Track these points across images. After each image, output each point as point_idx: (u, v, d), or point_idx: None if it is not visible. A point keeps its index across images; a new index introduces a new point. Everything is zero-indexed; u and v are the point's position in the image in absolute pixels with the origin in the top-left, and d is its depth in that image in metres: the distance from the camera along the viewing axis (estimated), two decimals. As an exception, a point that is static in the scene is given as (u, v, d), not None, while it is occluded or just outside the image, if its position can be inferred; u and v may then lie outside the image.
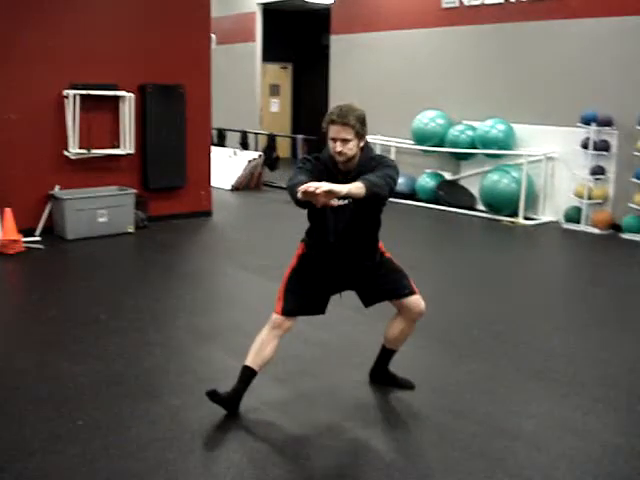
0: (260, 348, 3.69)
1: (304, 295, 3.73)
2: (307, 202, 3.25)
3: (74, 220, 7.47)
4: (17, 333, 4.97)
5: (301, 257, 3.75)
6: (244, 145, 12.48)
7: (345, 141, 3.41)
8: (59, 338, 4.80)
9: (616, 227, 8.66)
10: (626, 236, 8.43)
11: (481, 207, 9.91)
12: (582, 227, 8.85)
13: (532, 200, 9.41)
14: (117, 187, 8.07)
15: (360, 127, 3.44)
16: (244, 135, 12.54)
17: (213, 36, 9.01)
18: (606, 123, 8.58)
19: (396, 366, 4.11)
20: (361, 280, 3.79)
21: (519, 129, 9.53)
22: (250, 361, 3.69)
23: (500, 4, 9.71)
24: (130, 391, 4.00)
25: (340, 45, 12.54)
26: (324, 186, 3.12)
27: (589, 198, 8.80)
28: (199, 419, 3.66)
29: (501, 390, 4.15)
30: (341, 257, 3.68)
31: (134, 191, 8.00)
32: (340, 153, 3.44)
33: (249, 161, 11.69)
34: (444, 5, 10.41)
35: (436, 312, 5.51)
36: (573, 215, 8.99)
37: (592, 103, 8.68)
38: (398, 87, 11.12)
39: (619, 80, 8.48)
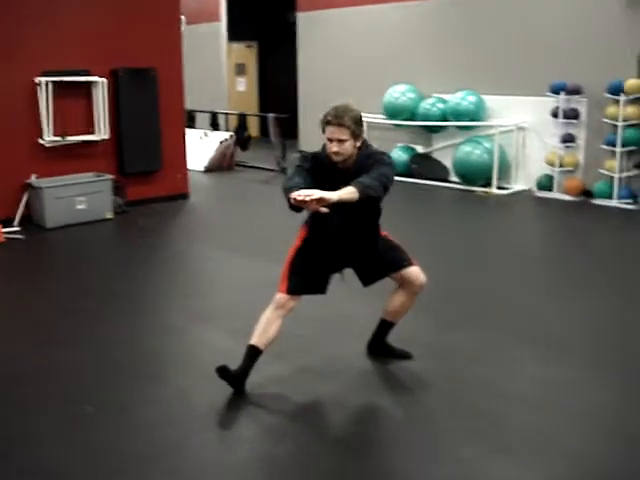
0: (265, 328, 3.75)
1: (308, 275, 3.81)
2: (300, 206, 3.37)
3: (53, 208, 7.42)
4: (8, 324, 4.96)
5: (305, 239, 3.83)
6: (214, 126, 12.43)
7: (341, 141, 3.50)
8: (51, 327, 4.82)
9: (587, 193, 8.86)
10: (597, 202, 8.63)
11: (454, 179, 10.04)
12: (554, 194, 9.03)
13: (504, 170, 9.57)
14: (94, 173, 8.03)
15: (356, 127, 3.53)
16: (214, 116, 12.49)
17: (183, 17, 8.94)
18: (575, 91, 8.74)
19: (389, 338, 4.22)
20: (362, 259, 3.88)
21: (489, 100, 9.66)
22: (256, 340, 3.76)
23: (466, -24, 9.79)
24: (134, 375, 4.06)
25: (307, 22, 12.53)
26: (315, 194, 3.25)
27: (560, 166, 8.97)
28: (207, 399, 3.73)
29: (494, 355, 4.29)
30: (343, 245, 3.79)
31: (111, 177, 7.97)
32: (336, 153, 3.53)
33: (221, 142, 11.67)
34: (410, -21, 10.46)
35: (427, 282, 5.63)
36: (545, 183, 9.16)
37: (561, 72, 8.83)
38: (367, 62, 11.16)
39: (587, 49, 8.63)
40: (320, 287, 3.88)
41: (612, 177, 8.50)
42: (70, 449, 3.26)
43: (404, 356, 4.17)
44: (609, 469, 3.09)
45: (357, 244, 3.83)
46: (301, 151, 3.74)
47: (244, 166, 11.77)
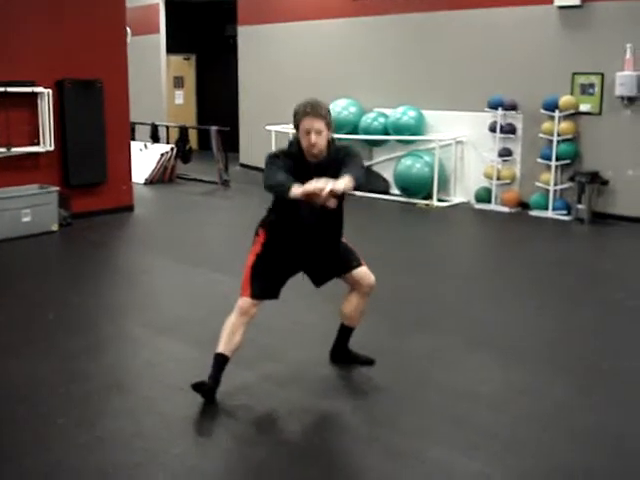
0: (230, 335, 3.81)
1: (270, 279, 3.88)
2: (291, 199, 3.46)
3: (-3, 221, 7.31)
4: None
5: (264, 244, 3.87)
6: (155, 138, 12.38)
7: (319, 132, 3.60)
8: (11, 341, 4.75)
9: (524, 205, 9.20)
10: (534, 213, 8.98)
11: (395, 191, 10.27)
12: (492, 206, 9.35)
13: (444, 183, 9.85)
14: (38, 185, 7.93)
15: (330, 119, 3.67)
16: (154, 128, 12.43)
17: (128, 29, 8.93)
18: (512, 107, 9.09)
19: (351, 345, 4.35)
20: (322, 260, 3.98)
21: (429, 115, 9.93)
22: (222, 348, 3.81)
23: (406, -5, 10.08)
24: (101, 386, 4.06)
25: (247, 36, 12.64)
26: (327, 186, 3.34)
27: (498, 179, 9.30)
28: (176, 409, 3.77)
29: (453, 359, 4.47)
30: (310, 243, 3.88)
31: (57, 189, 7.89)
32: (315, 145, 3.61)
33: (162, 154, 11.63)
34: (351, -4, 10.70)
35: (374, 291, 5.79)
36: (483, 195, 9.48)
37: (498, 89, 9.18)
38: (309, 77, 11.32)
39: (523, 67, 8.99)
40: (277, 292, 3.94)
41: (547, 189, 8.86)
42: (40, 465, 3.23)
43: (367, 362, 4.29)
44: (568, 464, 3.27)
45: (324, 243, 3.91)
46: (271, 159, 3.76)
47: (185, 178, 11.76)
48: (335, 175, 3.52)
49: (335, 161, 3.67)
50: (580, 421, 3.68)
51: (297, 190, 3.41)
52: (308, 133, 3.61)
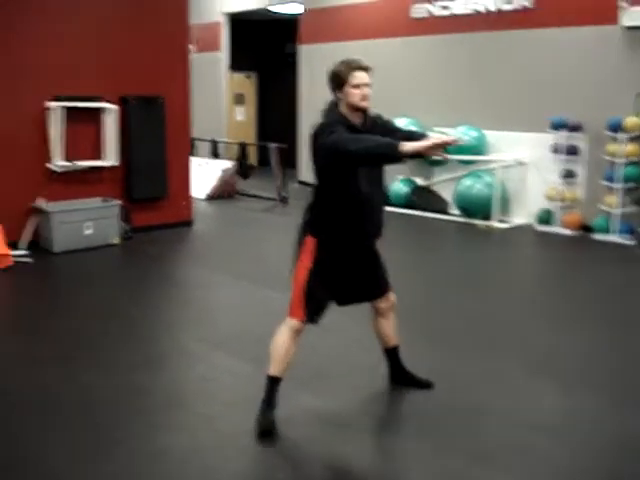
0: (286, 357, 3.73)
1: (322, 300, 3.75)
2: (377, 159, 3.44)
3: (61, 233, 7.46)
4: (25, 349, 4.94)
5: (316, 252, 3.69)
6: (215, 154, 12.53)
7: (368, 85, 3.59)
8: (71, 353, 4.82)
9: (587, 228, 8.99)
10: (597, 237, 8.77)
11: (454, 211, 10.16)
12: (554, 229, 9.16)
13: (505, 204, 9.70)
14: (101, 198, 8.08)
15: None
16: (215, 144, 12.59)
17: (191, 46, 9.07)
18: (575, 128, 8.92)
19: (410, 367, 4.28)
20: (363, 261, 3.86)
21: (491, 135, 9.81)
22: (278, 371, 3.73)
23: (469, 15, 10.01)
24: (159, 401, 4.08)
25: (308, 54, 12.72)
26: (449, 138, 3.32)
27: (560, 200, 9.12)
28: (234, 425, 3.76)
29: (512, 384, 4.36)
30: (371, 209, 3.73)
31: (119, 202, 8.02)
32: (366, 97, 3.58)
33: (223, 170, 11.75)
34: (413, 15, 10.68)
35: (431, 313, 5.72)
36: (545, 217, 9.30)
37: (561, 109, 9.01)
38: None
39: (587, 87, 8.82)
40: (324, 313, 3.82)
41: (611, 213, 8.65)
42: (98, 475, 3.26)
43: (426, 385, 4.21)
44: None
45: (379, 211, 3.79)
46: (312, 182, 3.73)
47: (245, 195, 11.85)
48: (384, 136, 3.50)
49: (375, 124, 3.66)
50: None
51: (416, 145, 3.25)
52: (358, 87, 3.56)
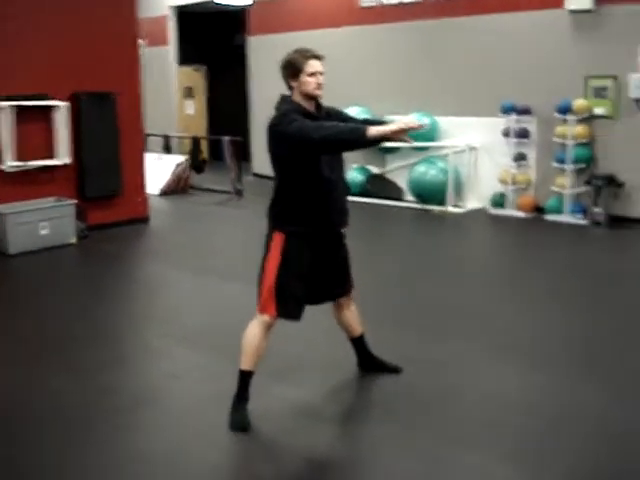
0: (257, 351, 3.72)
1: (294, 295, 3.72)
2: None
3: (16, 234, 7.32)
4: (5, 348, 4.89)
5: (284, 245, 3.66)
6: (167, 149, 12.42)
7: (322, 74, 3.64)
8: (35, 354, 4.76)
9: (540, 209, 9.17)
10: (550, 217, 8.95)
11: (409, 198, 10.26)
12: (508, 212, 9.33)
13: (459, 189, 9.83)
14: (54, 198, 7.95)
15: None
16: (167, 139, 12.47)
17: (141, 41, 8.96)
18: (525, 112, 9.08)
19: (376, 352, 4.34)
20: (331, 254, 3.86)
21: (442, 121, 9.92)
22: (250, 365, 3.72)
23: (417, 2, 10.09)
24: (130, 399, 4.06)
25: (257, 45, 12.67)
26: (413, 122, 3.36)
27: (513, 184, 9.28)
28: (208, 418, 3.77)
29: (481, 365, 4.46)
30: (335, 196, 3.74)
31: (74, 201, 7.91)
32: (321, 85, 3.63)
33: (176, 165, 11.65)
34: (362, 4, 10.73)
35: (391, 300, 5.78)
36: (499, 201, 9.46)
37: (510, 93, 9.17)
38: (320, 85, 11.32)
39: (535, 71, 8.98)
40: (301, 312, 3.80)
41: (563, 194, 8.84)
42: (77, 477, 3.24)
43: (394, 370, 4.27)
44: (607, 467, 3.25)
45: (342, 197, 3.82)
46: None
47: (199, 189, 11.78)
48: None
49: (329, 114, 3.71)
50: (614, 423, 3.66)
51: (376, 130, 3.27)
52: (314, 74, 3.61)
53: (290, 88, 3.70)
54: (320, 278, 3.84)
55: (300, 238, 3.69)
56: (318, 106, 3.72)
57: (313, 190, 3.65)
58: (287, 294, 3.70)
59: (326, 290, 3.94)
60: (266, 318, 3.71)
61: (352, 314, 4.15)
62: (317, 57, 3.65)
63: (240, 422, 3.64)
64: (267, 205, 3.79)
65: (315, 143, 3.41)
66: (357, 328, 4.21)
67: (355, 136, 3.36)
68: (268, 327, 3.74)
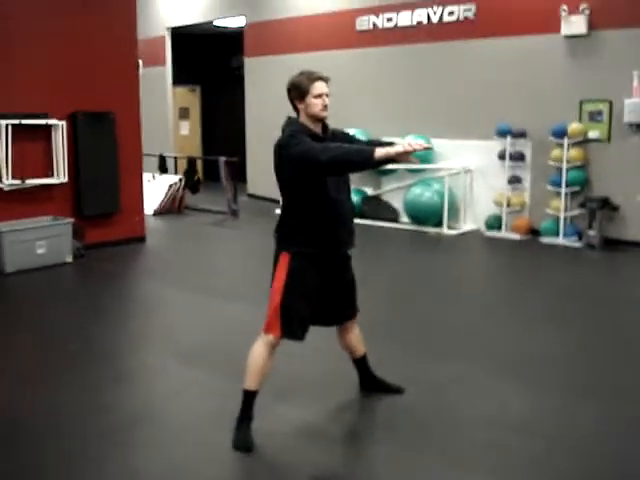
0: (262, 370, 3.71)
1: (299, 316, 3.71)
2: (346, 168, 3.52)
3: (12, 252, 7.31)
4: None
5: (290, 266, 3.68)
6: (162, 169, 12.44)
7: (328, 95, 3.67)
8: (33, 373, 4.73)
9: (535, 232, 9.23)
10: (545, 240, 9.01)
11: (404, 220, 10.31)
12: (503, 234, 9.38)
13: (454, 211, 9.89)
14: (51, 217, 7.95)
15: None
16: (162, 159, 12.50)
17: (140, 61, 9.01)
18: (520, 135, 9.16)
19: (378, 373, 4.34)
20: (338, 276, 3.88)
21: (438, 144, 9.98)
22: (254, 385, 3.70)
23: (413, 26, 10.20)
24: (129, 417, 4.03)
25: (254, 67, 12.76)
26: (416, 144, 3.35)
27: (508, 206, 9.34)
28: (209, 436, 3.75)
29: (480, 386, 4.45)
30: (342, 217, 3.76)
31: (71, 220, 7.90)
32: (326, 108, 3.65)
33: (170, 185, 11.68)
34: (358, 28, 10.83)
35: (389, 321, 5.79)
36: (493, 223, 9.51)
37: (506, 117, 9.26)
38: (316, 107, 11.39)
39: (531, 95, 9.09)
40: (305, 333, 3.81)
41: (558, 216, 8.90)
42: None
43: (396, 390, 4.27)
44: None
45: (349, 217, 3.84)
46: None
47: (194, 209, 11.80)
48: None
49: (335, 135, 3.74)
50: (614, 444, 3.67)
51: (382, 152, 3.28)
52: (320, 96, 3.63)
53: (296, 110, 3.72)
54: (327, 300, 3.86)
55: (306, 259, 3.70)
56: (324, 127, 3.75)
57: (320, 211, 3.67)
58: (292, 314, 3.69)
59: (334, 312, 3.96)
60: (270, 338, 3.71)
61: (355, 337, 4.16)
62: (323, 79, 3.68)
63: (244, 442, 3.63)
64: (274, 226, 3.81)
65: (322, 164, 3.43)
66: (360, 349, 4.22)
67: (362, 157, 3.38)
68: (273, 347, 3.74)
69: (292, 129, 3.65)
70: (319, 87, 3.64)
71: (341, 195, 3.74)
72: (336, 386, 4.43)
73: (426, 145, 3.41)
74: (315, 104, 3.64)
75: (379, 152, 3.31)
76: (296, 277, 3.68)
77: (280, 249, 3.75)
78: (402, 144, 3.37)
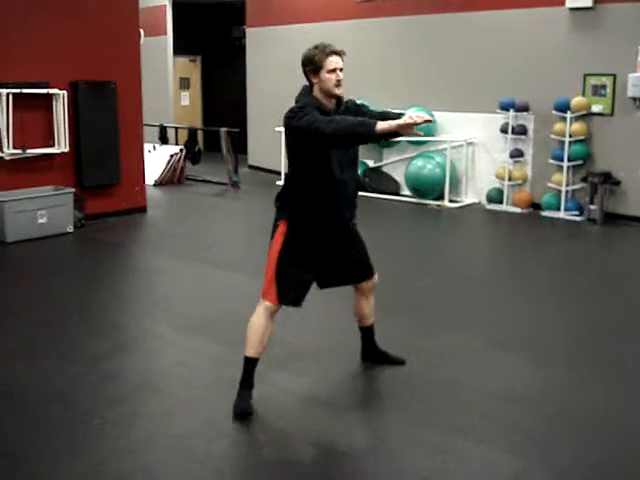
0: (263, 338, 3.75)
1: (294, 281, 3.76)
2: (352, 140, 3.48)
3: (14, 222, 7.30)
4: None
5: (286, 235, 3.73)
6: (163, 140, 12.38)
7: (342, 70, 3.63)
8: (39, 342, 4.75)
9: (536, 206, 9.22)
10: (546, 213, 9.01)
11: (406, 192, 10.30)
12: (504, 207, 9.37)
13: (455, 184, 9.88)
14: (52, 187, 7.93)
15: None
16: (163, 129, 12.44)
17: (141, 31, 8.94)
18: (523, 109, 9.12)
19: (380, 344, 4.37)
20: (341, 244, 3.90)
21: (440, 116, 9.94)
22: (254, 352, 3.75)
23: (416, -3, 10.10)
24: (134, 387, 4.07)
25: (256, 38, 12.66)
26: (422, 116, 3.35)
27: (509, 179, 9.32)
28: (213, 407, 3.79)
29: (482, 359, 4.49)
30: (344, 193, 3.76)
31: (73, 190, 7.89)
32: (341, 82, 3.62)
33: (171, 155, 11.63)
34: (360, -2, 10.74)
35: (390, 293, 5.79)
36: (495, 196, 9.50)
37: (509, 90, 9.20)
38: (318, 78, 11.31)
39: (534, 68, 9.01)
40: (302, 298, 3.85)
41: (559, 190, 8.89)
42: (80, 467, 3.23)
43: (398, 362, 4.30)
44: (606, 460, 3.30)
45: (352, 196, 3.85)
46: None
47: (195, 180, 11.77)
48: None
49: (347, 109, 3.71)
50: (614, 418, 3.71)
51: (388, 124, 3.31)
52: (334, 71, 3.60)
53: (310, 83, 3.70)
54: (336, 264, 3.91)
55: (302, 229, 3.74)
56: (339, 101, 3.72)
57: (321, 188, 3.69)
58: (287, 281, 3.74)
59: (347, 274, 4.01)
60: (267, 304, 3.76)
61: (368, 304, 4.18)
62: (337, 53, 3.64)
63: (244, 408, 3.68)
64: (275, 195, 3.83)
65: (326, 136, 3.43)
66: (369, 318, 4.24)
67: (364, 129, 3.39)
68: (270, 313, 3.77)
69: (304, 101, 3.65)
70: (333, 62, 3.61)
71: (345, 174, 3.73)
72: (335, 356, 4.47)
73: (427, 118, 3.40)
74: (329, 79, 3.61)
75: (381, 125, 3.32)
76: (292, 246, 3.72)
77: (278, 218, 3.79)
78: (404, 117, 3.37)
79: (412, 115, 3.37)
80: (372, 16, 10.64)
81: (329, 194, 3.71)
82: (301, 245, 3.75)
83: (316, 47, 3.66)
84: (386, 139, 3.68)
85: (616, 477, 3.20)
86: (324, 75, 3.61)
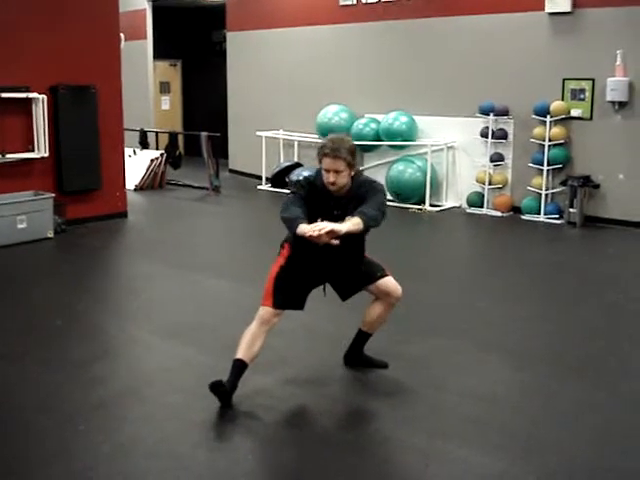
0: (251, 343, 3.82)
1: (292, 291, 3.92)
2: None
3: (-7, 227, 7.25)
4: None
5: (289, 257, 3.93)
6: (144, 144, 12.33)
7: (337, 172, 3.68)
8: (21, 348, 4.71)
9: (516, 209, 9.29)
10: (526, 217, 9.07)
11: (387, 196, 10.29)
12: (485, 211, 9.43)
13: (436, 188, 9.92)
14: (32, 192, 7.88)
15: (351, 158, 3.71)
16: (143, 134, 12.39)
17: (122, 35, 8.90)
18: (503, 113, 9.19)
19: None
20: (344, 275, 4.06)
21: (421, 120, 9.99)
22: (242, 354, 3.82)
23: (396, 2, 10.13)
24: (118, 393, 4.05)
25: (236, 42, 12.64)
26: (326, 227, 3.48)
27: (490, 183, 9.39)
28: (197, 413, 3.77)
29: (465, 362, 4.52)
30: (328, 262, 3.93)
31: (53, 195, 7.84)
32: (333, 184, 3.71)
33: (151, 160, 11.58)
34: (341, 3, 10.75)
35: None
36: (475, 200, 9.56)
37: (489, 94, 9.27)
38: (299, 83, 11.35)
39: (514, 72, 9.09)
40: (301, 303, 4.01)
41: (539, 194, 8.97)
42: (65, 473, 3.21)
43: (381, 365, 4.32)
44: (590, 462, 3.32)
45: (342, 263, 3.98)
46: (296, 181, 3.88)
47: (175, 184, 11.73)
48: (355, 209, 3.67)
49: (357, 196, 3.76)
50: (596, 419, 3.74)
51: (302, 229, 3.55)
52: (327, 172, 3.71)
53: None
54: (340, 277, 4.08)
55: (305, 256, 3.88)
56: (350, 187, 3.78)
57: (303, 247, 3.79)
58: (284, 289, 3.88)
59: (354, 282, 4.11)
60: (263, 308, 3.86)
61: (380, 313, 4.17)
62: (329, 155, 3.69)
63: (221, 393, 3.74)
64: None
65: (280, 217, 3.74)
66: (372, 327, 4.25)
67: (290, 226, 3.66)
68: (265, 320, 3.85)
69: (310, 178, 3.87)
70: (325, 163, 3.72)
71: (338, 247, 3.67)
72: (321, 362, 4.47)
73: (328, 230, 3.50)
74: (325, 175, 3.75)
75: (301, 229, 3.56)
76: (293, 265, 3.93)
77: (285, 240, 3.97)
78: (309, 229, 3.53)
79: (315, 228, 3.52)
80: (353, 21, 10.67)
81: (318, 255, 3.83)
82: (300, 267, 3.92)
83: (327, 139, 3.79)
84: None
85: (600, 476, 3.23)
86: (322, 169, 3.74)
